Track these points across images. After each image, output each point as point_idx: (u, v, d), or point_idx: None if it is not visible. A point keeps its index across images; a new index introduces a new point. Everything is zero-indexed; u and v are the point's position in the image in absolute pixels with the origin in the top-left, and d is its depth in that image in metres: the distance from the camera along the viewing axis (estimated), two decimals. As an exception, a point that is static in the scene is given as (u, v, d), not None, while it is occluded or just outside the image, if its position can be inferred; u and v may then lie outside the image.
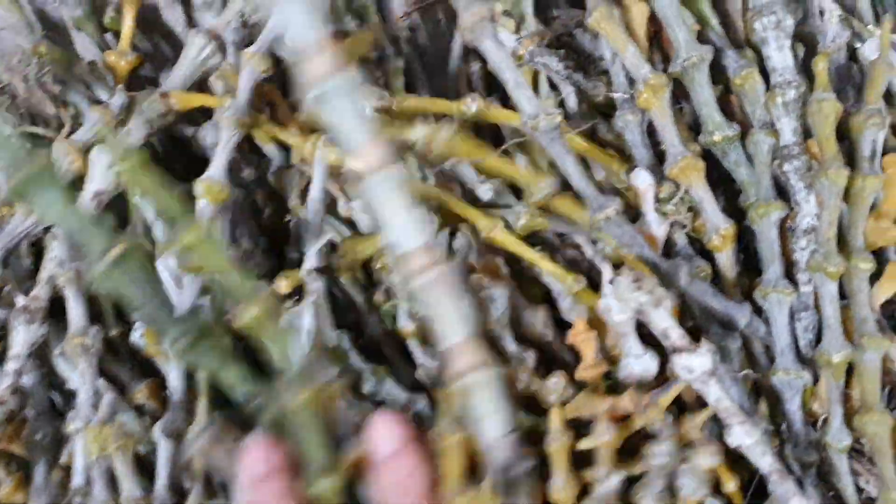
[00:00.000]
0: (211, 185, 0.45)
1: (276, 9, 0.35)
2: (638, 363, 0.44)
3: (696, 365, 0.39)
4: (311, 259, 0.45)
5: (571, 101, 0.51)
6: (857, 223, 0.45)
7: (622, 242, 0.44)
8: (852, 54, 0.55)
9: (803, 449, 0.43)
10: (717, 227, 0.45)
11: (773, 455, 0.40)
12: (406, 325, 0.46)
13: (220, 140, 0.46)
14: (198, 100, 0.48)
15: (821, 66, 0.45)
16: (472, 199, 0.50)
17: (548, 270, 0.47)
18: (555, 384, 0.45)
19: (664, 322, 0.40)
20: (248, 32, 0.49)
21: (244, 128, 0.47)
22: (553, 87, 0.52)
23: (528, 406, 0.47)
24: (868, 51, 0.54)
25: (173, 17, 0.57)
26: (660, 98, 0.46)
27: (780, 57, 0.45)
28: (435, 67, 0.55)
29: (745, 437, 0.40)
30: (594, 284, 0.46)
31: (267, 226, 0.53)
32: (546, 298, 0.50)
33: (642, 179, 0.46)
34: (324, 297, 0.45)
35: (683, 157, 0.45)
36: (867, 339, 0.42)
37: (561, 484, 0.39)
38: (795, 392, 0.43)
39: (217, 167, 0.45)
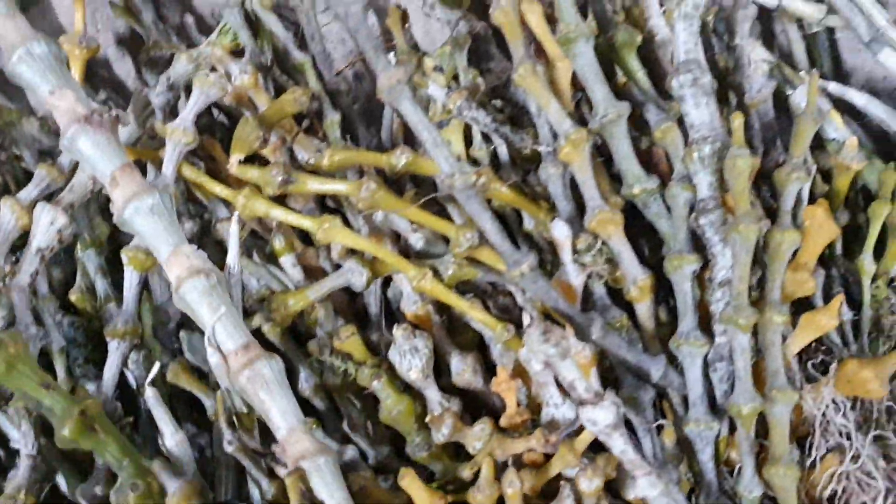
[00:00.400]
0: (136, 253, 0.48)
1: (71, 146, 0.37)
2: (557, 411, 0.45)
3: (599, 418, 0.40)
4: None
5: (503, 152, 0.52)
6: (774, 276, 0.46)
7: (537, 296, 0.45)
8: (785, 100, 0.56)
9: (715, 499, 0.44)
10: (635, 279, 0.46)
11: (677, 507, 0.41)
12: (332, 380, 0.48)
13: None
14: (134, 154, 0.50)
15: (737, 123, 0.46)
16: (406, 249, 0.52)
17: (477, 319, 0.49)
18: (480, 431, 0.46)
19: (570, 374, 0.42)
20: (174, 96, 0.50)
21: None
22: (486, 138, 0.53)
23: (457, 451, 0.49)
24: (798, 98, 0.55)
25: (124, 70, 0.59)
26: (580, 152, 0.47)
27: (698, 113, 0.46)
28: (377, 118, 0.57)
29: (650, 488, 0.41)
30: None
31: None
32: (480, 343, 0.52)
33: (560, 231, 0.47)
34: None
35: (602, 210, 0.46)
36: (777, 391, 0.43)
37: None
38: (707, 443, 0.44)
39: None
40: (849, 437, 0.44)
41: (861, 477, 0.44)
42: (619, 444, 0.41)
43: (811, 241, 0.47)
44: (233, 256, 0.44)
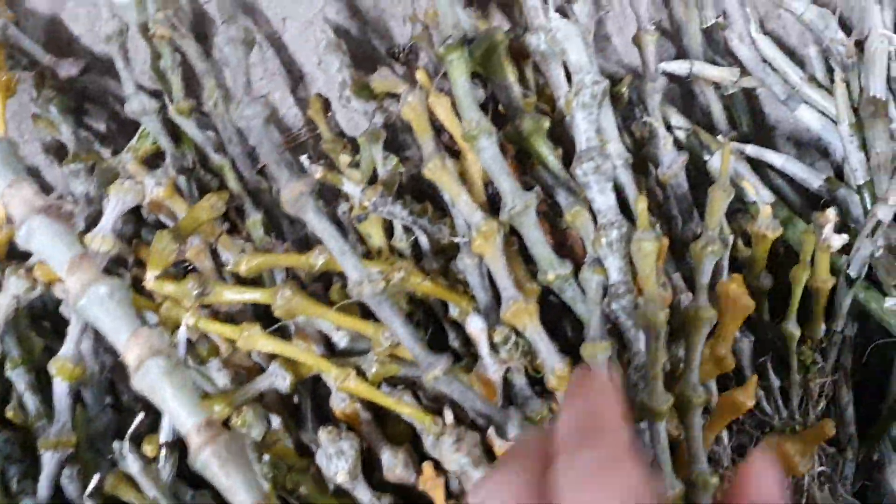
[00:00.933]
0: (64, 363, 0.48)
1: (29, 237, 0.38)
2: (484, 507, 0.45)
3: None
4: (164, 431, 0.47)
5: (424, 242, 0.53)
6: (692, 355, 0.46)
7: (454, 398, 0.45)
8: (704, 165, 0.57)
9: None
10: (553, 368, 0.47)
11: None
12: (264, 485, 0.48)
13: (71, 319, 0.48)
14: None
15: (640, 207, 0.46)
16: (331, 347, 0.52)
17: (406, 413, 0.49)
18: (410, 530, 0.47)
19: (485, 481, 0.42)
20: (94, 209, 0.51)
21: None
22: (408, 227, 0.53)
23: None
24: (715, 164, 0.55)
25: (53, 177, 0.60)
26: (491, 244, 0.47)
27: (603, 199, 0.47)
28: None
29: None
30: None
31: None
32: (414, 433, 0.52)
33: (475, 325, 0.47)
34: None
35: (515, 301, 0.47)
36: (697, 476, 0.43)
37: None
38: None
39: (69, 345, 0.48)
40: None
41: (789, 555, 0.44)
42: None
43: (726, 318, 0.47)
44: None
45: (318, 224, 0.45)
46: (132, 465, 0.47)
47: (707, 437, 0.45)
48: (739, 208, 0.56)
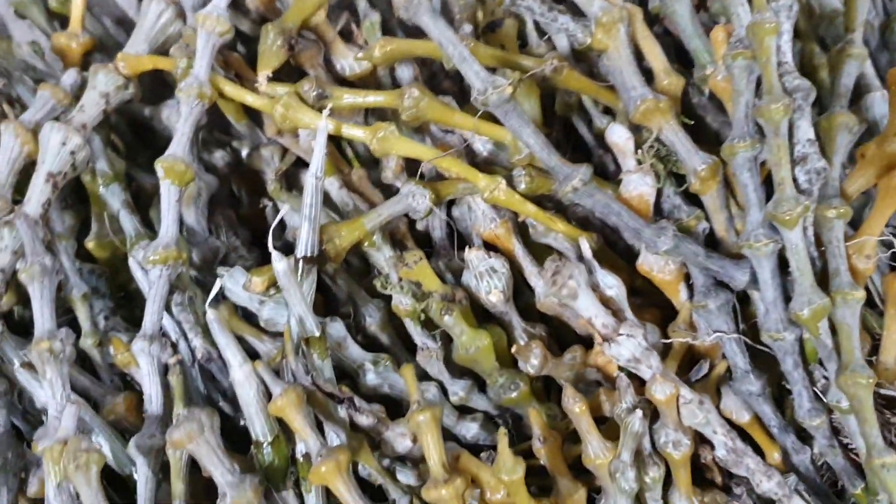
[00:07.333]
0: (174, 163, 0.41)
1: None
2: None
3: (622, 353, 0.41)
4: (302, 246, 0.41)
5: (563, 45, 0.47)
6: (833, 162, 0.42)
7: (597, 211, 0.42)
8: None
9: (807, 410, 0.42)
10: (695, 169, 0.42)
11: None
12: (402, 304, 0.44)
13: (181, 114, 0.42)
14: (149, 62, 0.44)
15: None
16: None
17: (560, 231, 0.45)
18: (571, 360, 0.45)
19: (586, 312, 0.41)
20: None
21: (205, 99, 0.42)
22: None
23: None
24: None
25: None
26: (614, 37, 0.43)
27: None
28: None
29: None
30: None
31: (246, 215, 0.52)
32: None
33: (618, 135, 0.43)
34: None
35: (644, 100, 0.42)
36: (837, 293, 0.40)
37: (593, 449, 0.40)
38: (786, 352, 0.42)
39: (179, 144, 0.42)
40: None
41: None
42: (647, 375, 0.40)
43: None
44: (317, 163, 0.40)
45: (433, 29, 0.40)
46: (277, 264, 0.39)
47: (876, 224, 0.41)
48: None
